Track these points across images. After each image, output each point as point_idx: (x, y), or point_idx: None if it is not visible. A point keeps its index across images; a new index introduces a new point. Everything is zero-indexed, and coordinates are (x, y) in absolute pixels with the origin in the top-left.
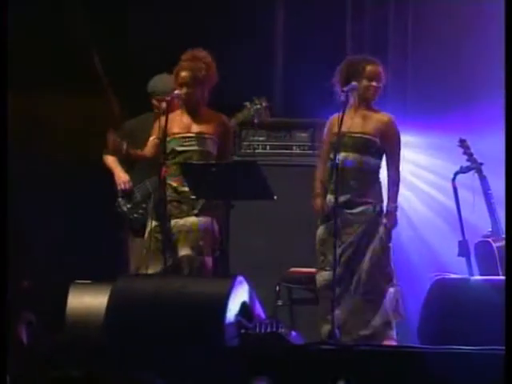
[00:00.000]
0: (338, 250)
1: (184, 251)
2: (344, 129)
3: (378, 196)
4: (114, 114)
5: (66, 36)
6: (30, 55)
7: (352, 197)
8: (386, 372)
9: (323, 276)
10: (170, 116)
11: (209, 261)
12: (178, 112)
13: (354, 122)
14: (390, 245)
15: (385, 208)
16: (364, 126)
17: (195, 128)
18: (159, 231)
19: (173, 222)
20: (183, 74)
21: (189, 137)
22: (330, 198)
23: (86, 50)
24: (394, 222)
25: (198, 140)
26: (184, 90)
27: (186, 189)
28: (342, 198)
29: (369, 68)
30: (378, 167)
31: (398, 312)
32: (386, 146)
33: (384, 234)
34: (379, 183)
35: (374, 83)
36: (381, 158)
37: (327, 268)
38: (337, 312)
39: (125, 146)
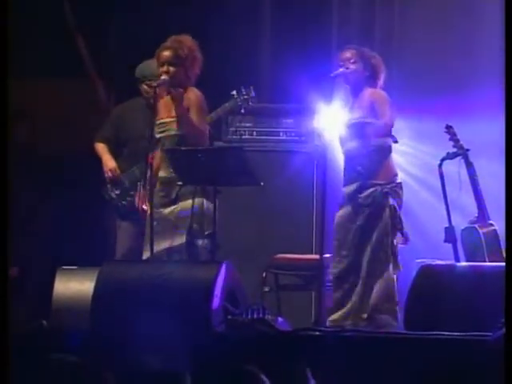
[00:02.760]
0: (349, 236)
1: (182, 237)
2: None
3: (387, 176)
4: (101, 100)
5: (52, 20)
6: (13, 40)
7: (361, 182)
8: (373, 357)
9: (338, 264)
10: (161, 102)
11: (204, 243)
12: (166, 98)
13: (347, 110)
14: (398, 227)
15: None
16: (358, 110)
17: (172, 113)
18: (153, 218)
19: (169, 208)
20: (165, 53)
21: (161, 123)
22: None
23: (72, 34)
24: None
25: (169, 125)
26: (165, 69)
27: (164, 174)
28: (353, 187)
29: (340, 55)
30: (384, 145)
31: (388, 298)
32: (378, 113)
33: (389, 217)
34: (390, 161)
35: (345, 67)
36: (384, 135)
37: (342, 255)
38: (353, 298)
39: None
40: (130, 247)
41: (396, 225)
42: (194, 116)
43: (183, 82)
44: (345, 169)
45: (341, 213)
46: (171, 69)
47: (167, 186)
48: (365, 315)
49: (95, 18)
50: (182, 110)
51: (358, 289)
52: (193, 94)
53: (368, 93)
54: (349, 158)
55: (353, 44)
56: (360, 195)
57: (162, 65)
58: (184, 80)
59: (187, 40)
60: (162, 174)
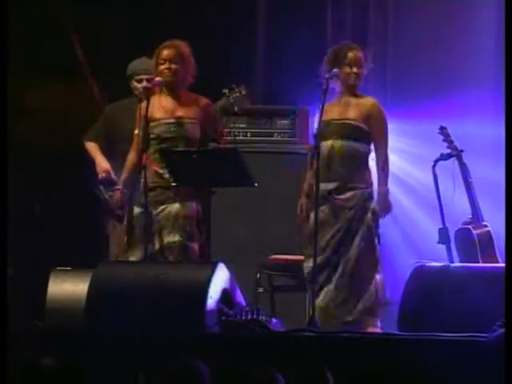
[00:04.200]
0: (327, 236)
1: (172, 238)
2: (330, 117)
3: (366, 181)
4: (95, 98)
5: (47, 19)
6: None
7: (340, 183)
8: (366, 359)
9: (309, 263)
10: (155, 102)
11: (195, 246)
12: (158, 96)
13: (338, 109)
14: (379, 231)
15: (375, 193)
16: (347, 112)
17: (178, 113)
18: (142, 218)
19: (159, 208)
20: (167, 51)
21: (173, 123)
22: (322, 186)
23: (67, 33)
24: (388, 207)
25: (183, 126)
26: (167, 65)
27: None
28: (330, 186)
29: (350, 54)
30: (366, 152)
31: (381, 300)
32: (373, 129)
33: (372, 220)
34: (368, 168)
35: (354, 69)
36: (368, 143)
37: (312, 254)
38: (321, 297)
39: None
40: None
41: (377, 228)
42: (213, 130)
43: (182, 82)
44: (324, 166)
45: (319, 215)
46: (173, 66)
47: (160, 187)
48: (350, 318)
49: (90, 18)
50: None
51: (334, 291)
52: (209, 105)
53: (369, 102)
54: (331, 156)
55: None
56: (339, 197)
57: (163, 62)
58: (183, 80)
59: (185, 44)
60: (165, 174)
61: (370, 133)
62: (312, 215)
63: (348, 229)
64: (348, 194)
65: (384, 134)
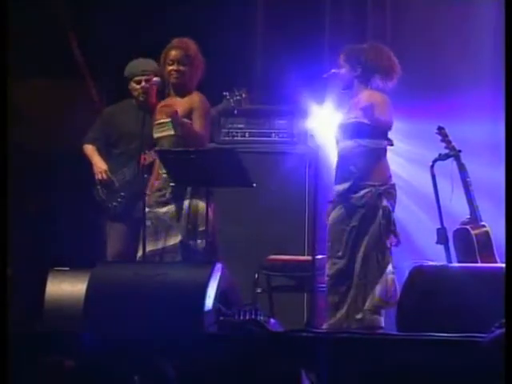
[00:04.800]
0: (343, 237)
1: (177, 237)
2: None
3: (381, 177)
4: (94, 100)
5: (44, 19)
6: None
7: (354, 182)
8: (364, 359)
9: (333, 265)
10: (162, 103)
11: (201, 245)
12: (169, 99)
13: (348, 111)
14: (392, 228)
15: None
16: (354, 111)
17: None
18: (147, 217)
19: (165, 208)
20: (174, 52)
21: (160, 123)
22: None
23: (65, 33)
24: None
25: (168, 125)
26: (175, 67)
27: (164, 174)
28: (345, 186)
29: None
30: (378, 146)
31: (389, 300)
32: (377, 114)
33: (382, 219)
34: (384, 163)
35: (339, 70)
36: (380, 137)
37: (337, 256)
38: (345, 308)
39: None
40: (120, 248)
41: (389, 226)
42: (197, 119)
43: (189, 83)
44: (337, 168)
45: (334, 214)
46: (181, 68)
47: (165, 187)
48: (359, 316)
49: (89, 19)
50: (184, 127)
51: (352, 290)
52: (197, 97)
53: (366, 94)
54: (342, 157)
55: (346, 44)
56: (353, 196)
57: (171, 63)
58: (189, 80)
59: (192, 42)
60: (161, 173)
61: (375, 125)
62: (330, 217)
63: (359, 229)
64: (361, 193)
65: (387, 116)
